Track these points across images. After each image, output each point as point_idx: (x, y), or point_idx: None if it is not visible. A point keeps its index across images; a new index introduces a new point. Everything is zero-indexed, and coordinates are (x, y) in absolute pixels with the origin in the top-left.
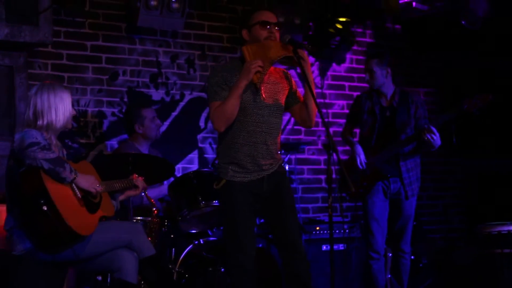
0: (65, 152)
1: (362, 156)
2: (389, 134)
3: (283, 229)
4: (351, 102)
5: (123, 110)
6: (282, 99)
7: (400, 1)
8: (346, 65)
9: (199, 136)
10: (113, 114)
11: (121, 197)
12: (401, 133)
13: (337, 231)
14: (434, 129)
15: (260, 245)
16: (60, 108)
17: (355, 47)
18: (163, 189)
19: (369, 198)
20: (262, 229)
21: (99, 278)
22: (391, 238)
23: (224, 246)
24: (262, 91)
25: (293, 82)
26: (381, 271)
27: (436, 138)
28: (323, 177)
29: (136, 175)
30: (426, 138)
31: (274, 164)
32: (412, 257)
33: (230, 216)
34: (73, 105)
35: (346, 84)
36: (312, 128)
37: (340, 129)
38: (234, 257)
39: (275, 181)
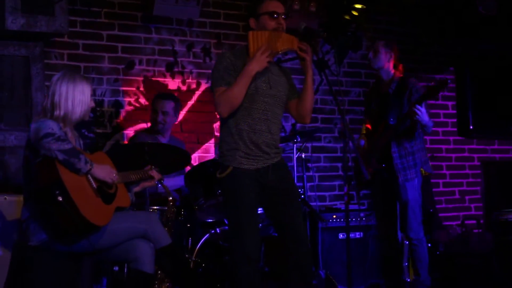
0: (82, 142)
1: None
2: (383, 121)
3: (289, 223)
4: (367, 89)
5: (140, 100)
6: (284, 92)
7: None
8: (362, 52)
9: (216, 125)
10: (129, 103)
11: (137, 189)
12: (393, 120)
13: (353, 219)
14: (418, 106)
15: (271, 232)
16: (77, 100)
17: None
18: (179, 179)
19: (371, 188)
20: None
21: (116, 268)
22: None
23: (229, 234)
24: (269, 81)
25: (291, 78)
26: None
27: (421, 114)
28: (339, 165)
29: (151, 166)
30: (414, 115)
31: (278, 153)
32: (429, 244)
33: (237, 204)
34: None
35: (362, 71)
36: (329, 116)
37: (357, 117)
38: (239, 246)
39: (280, 173)
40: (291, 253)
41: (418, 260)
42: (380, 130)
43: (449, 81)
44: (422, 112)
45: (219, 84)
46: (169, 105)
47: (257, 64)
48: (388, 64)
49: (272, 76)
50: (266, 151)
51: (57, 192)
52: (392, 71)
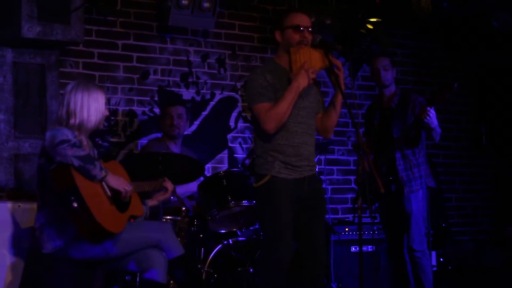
0: (96, 152)
1: None
2: (388, 135)
3: (311, 236)
4: None
5: (154, 109)
6: (316, 102)
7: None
8: None
9: (229, 136)
10: (143, 113)
11: (152, 202)
12: (397, 133)
13: (366, 232)
14: (429, 108)
15: None
16: (92, 109)
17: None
18: (191, 185)
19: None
20: None
21: (128, 277)
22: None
23: (263, 241)
24: (301, 93)
25: (320, 90)
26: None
27: (432, 116)
28: (352, 177)
29: (165, 177)
30: (424, 117)
31: (313, 167)
32: (441, 259)
33: (275, 212)
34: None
35: None
36: (342, 129)
37: None
38: (273, 253)
39: (314, 187)
40: (307, 266)
41: (422, 272)
42: (384, 144)
43: (455, 85)
44: (432, 114)
45: (261, 100)
46: (181, 109)
47: (303, 81)
48: (392, 81)
49: (304, 88)
50: (303, 164)
51: (72, 198)
52: (394, 86)
